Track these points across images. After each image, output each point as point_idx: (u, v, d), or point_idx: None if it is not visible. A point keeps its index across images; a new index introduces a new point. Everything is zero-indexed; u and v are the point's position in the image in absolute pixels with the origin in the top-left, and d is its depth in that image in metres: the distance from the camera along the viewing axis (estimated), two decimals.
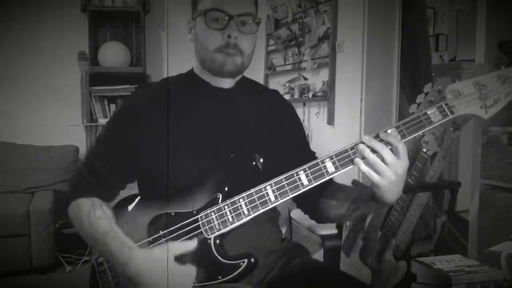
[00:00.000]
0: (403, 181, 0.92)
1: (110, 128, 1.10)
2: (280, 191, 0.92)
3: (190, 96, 1.09)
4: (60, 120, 3.42)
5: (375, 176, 0.89)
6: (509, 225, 1.93)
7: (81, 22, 3.38)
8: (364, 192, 0.98)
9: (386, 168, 0.88)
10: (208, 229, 0.95)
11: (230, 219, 0.94)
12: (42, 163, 3.11)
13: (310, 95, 3.18)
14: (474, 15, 2.41)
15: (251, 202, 0.93)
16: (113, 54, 3.37)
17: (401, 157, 0.89)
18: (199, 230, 0.95)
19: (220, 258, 0.95)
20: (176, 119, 1.05)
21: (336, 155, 0.92)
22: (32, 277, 2.62)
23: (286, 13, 3.55)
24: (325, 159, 0.92)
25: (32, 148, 3.18)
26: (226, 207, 0.95)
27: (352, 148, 0.91)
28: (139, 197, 1.08)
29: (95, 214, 0.98)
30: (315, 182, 0.92)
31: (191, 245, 0.94)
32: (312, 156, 1.17)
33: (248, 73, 1.18)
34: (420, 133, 0.92)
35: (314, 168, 0.92)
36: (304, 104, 3.30)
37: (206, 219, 0.96)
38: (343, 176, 0.94)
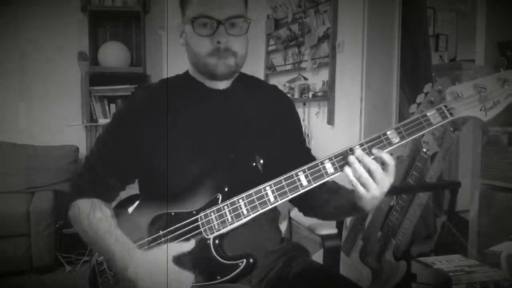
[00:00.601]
0: (384, 193, 0.94)
1: (110, 129, 1.10)
2: (280, 192, 0.93)
3: (187, 97, 1.09)
4: (60, 120, 3.42)
5: (361, 189, 0.90)
6: (509, 225, 1.93)
7: (81, 22, 3.38)
8: (347, 199, 0.99)
9: (374, 185, 0.89)
10: (207, 229, 0.95)
11: (230, 220, 0.94)
12: (42, 163, 3.11)
13: (310, 95, 3.18)
14: (474, 15, 2.41)
15: (250, 202, 0.93)
16: (113, 54, 3.37)
17: (389, 174, 0.90)
18: (199, 230, 0.95)
19: (219, 258, 0.95)
20: (175, 120, 1.05)
21: (336, 156, 0.92)
22: (32, 277, 2.62)
23: (286, 13, 3.54)
24: (325, 160, 0.92)
25: (32, 148, 3.18)
26: (225, 207, 0.95)
27: (351, 150, 0.91)
28: (139, 199, 1.08)
29: (94, 215, 0.98)
30: (314, 183, 0.92)
31: (189, 245, 0.95)
32: (308, 153, 1.18)
33: (248, 73, 1.18)
34: (419, 134, 0.92)
35: (314, 169, 0.92)
36: (304, 104, 3.30)
37: (205, 219, 0.96)
38: (343, 175, 0.94)
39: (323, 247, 1.30)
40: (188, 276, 0.93)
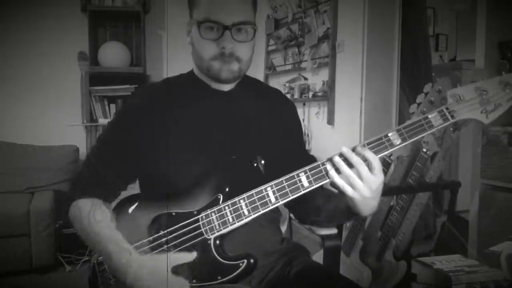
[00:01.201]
0: (379, 196, 0.93)
1: (111, 128, 1.10)
2: (281, 193, 0.93)
3: (191, 97, 1.09)
4: (60, 120, 3.42)
5: (349, 190, 0.90)
6: (509, 225, 1.93)
7: (81, 22, 3.38)
8: (340, 204, 0.99)
9: (361, 184, 0.89)
10: (208, 230, 0.95)
11: (231, 220, 0.94)
12: (42, 163, 3.11)
13: (310, 95, 3.18)
14: (474, 15, 2.41)
15: (251, 203, 0.93)
16: (113, 54, 3.37)
17: (376, 173, 0.90)
18: (199, 231, 0.95)
19: (220, 259, 0.95)
20: (177, 119, 1.05)
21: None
22: (32, 277, 2.62)
23: (286, 13, 3.54)
24: (326, 161, 0.93)
25: (32, 148, 3.18)
26: (226, 207, 0.95)
27: (353, 150, 0.91)
28: (139, 198, 1.08)
29: (95, 217, 0.98)
30: (315, 184, 0.92)
31: (191, 257, 0.94)
32: (307, 155, 1.18)
33: (248, 73, 1.18)
34: (420, 136, 0.92)
35: (315, 170, 0.92)
36: (304, 104, 3.30)
37: (206, 220, 0.96)
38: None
39: (323, 247, 1.30)
40: (182, 282, 0.92)
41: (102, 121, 3.35)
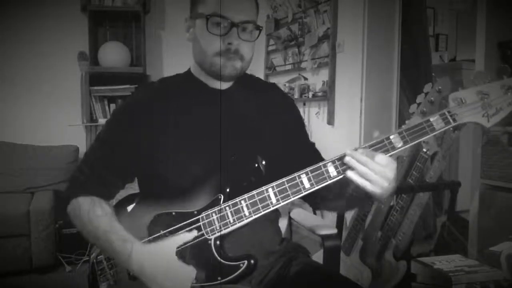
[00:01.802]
0: (396, 179, 0.93)
1: (110, 127, 1.10)
2: (282, 194, 0.93)
3: (188, 97, 1.09)
4: (60, 120, 3.41)
5: (368, 185, 0.90)
6: (509, 225, 1.93)
7: (81, 22, 3.38)
8: (359, 190, 0.97)
9: (376, 177, 0.89)
10: (208, 230, 0.95)
11: (231, 221, 0.94)
12: (42, 163, 3.11)
13: (310, 95, 3.18)
14: (474, 15, 2.40)
15: (252, 204, 0.93)
16: (113, 54, 3.37)
17: (387, 163, 0.90)
18: (201, 232, 0.95)
19: (220, 259, 0.95)
20: (176, 119, 1.04)
21: (338, 159, 0.92)
22: (32, 277, 2.62)
23: (286, 13, 3.54)
24: (328, 163, 0.93)
25: (32, 148, 3.18)
26: (227, 208, 0.95)
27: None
28: (138, 198, 1.08)
29: (94, 212, 0.98)
30: (317, 186, 0.92)
31: (189, 236, 0.94)
32: (312, 148, 1.18)
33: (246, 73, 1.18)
34: (422, 139, 0.93)
35: (316, 172, 0.92)
36: (304, 104, 3.30)
37: (207, 220, 0.96)
38: None
39: (323, 247, 1.30)
40: (190, 271, 0.92)
41: (102, 121, 3.35)
